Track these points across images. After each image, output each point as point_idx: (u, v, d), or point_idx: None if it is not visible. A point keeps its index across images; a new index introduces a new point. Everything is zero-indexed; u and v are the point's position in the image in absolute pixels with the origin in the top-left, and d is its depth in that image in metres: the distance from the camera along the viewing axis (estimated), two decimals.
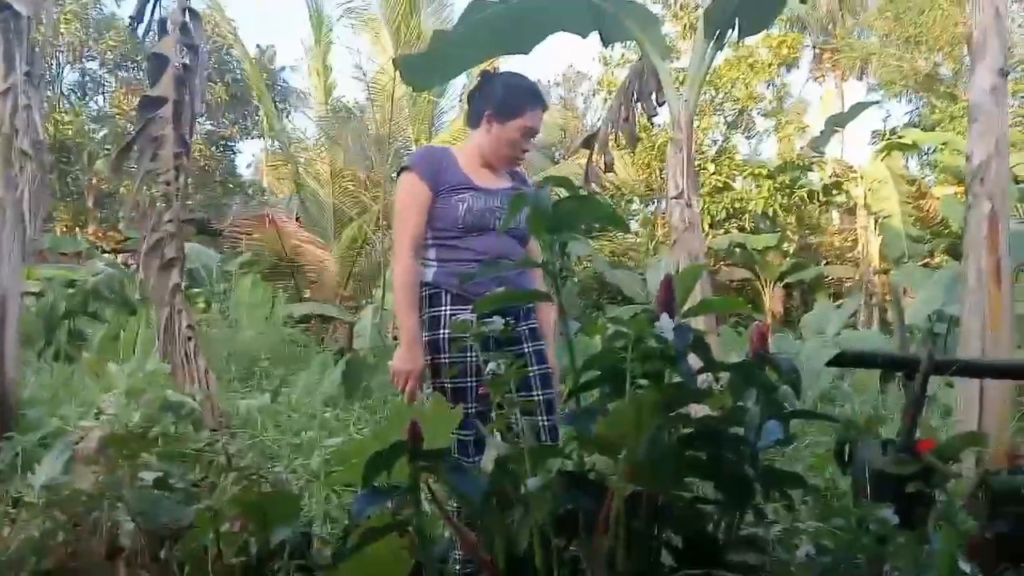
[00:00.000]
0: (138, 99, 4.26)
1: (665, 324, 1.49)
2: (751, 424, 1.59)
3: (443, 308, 2.40)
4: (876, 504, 1.47)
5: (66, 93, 20.30)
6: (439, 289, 2.41)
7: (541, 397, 2.40)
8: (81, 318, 8.65)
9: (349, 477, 1.84)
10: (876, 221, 13.97)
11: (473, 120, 2.59)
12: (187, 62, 4.10)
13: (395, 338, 8.88)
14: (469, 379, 2.32)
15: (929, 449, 1.58)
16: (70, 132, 17.54)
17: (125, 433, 2.45)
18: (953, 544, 1.50)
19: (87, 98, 20.58)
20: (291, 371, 6.46)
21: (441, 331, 2.37)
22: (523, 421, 1.76)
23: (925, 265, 12.82)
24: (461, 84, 14.17)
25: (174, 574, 1.74)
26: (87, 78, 20.42)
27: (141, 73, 18.29)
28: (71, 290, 8.91)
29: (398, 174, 2.54)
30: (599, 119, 11.29)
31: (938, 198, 13.93)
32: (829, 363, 2.07)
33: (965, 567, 1.57)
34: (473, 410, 2.29)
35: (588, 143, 6.59)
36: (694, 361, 1.56)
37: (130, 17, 4.31)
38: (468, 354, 2.28)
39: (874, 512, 1.45)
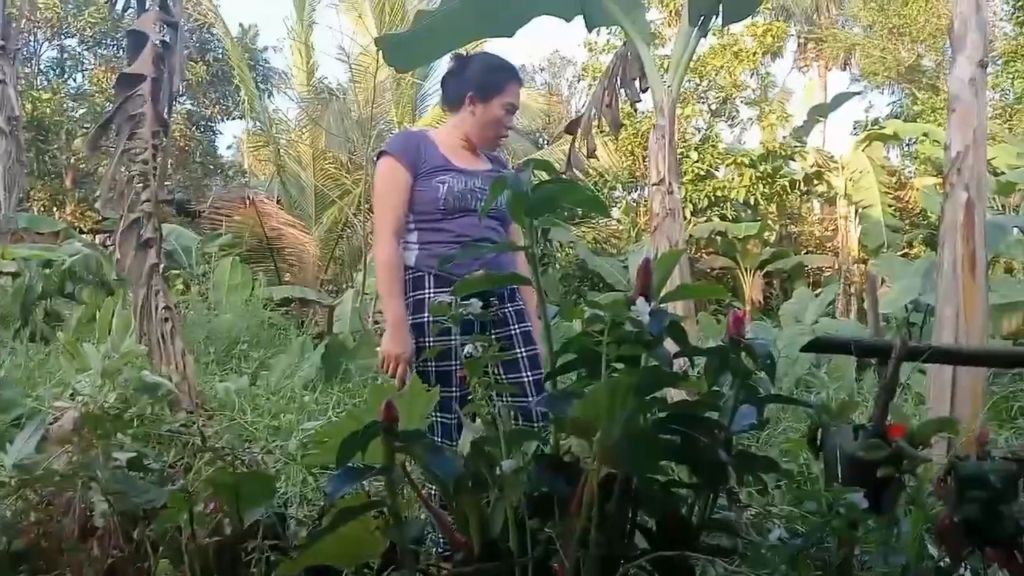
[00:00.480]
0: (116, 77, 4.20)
1: (641, 308, 1.50)
2: (726, 408, 1.60)
3: (426, 291, 2.40)
4: (846, 488, 1.49)
5: (44, 70, 20.02)
6: (421, 272, 2.41)
7: (530, 378, 2.40)
8: (58, 299, 8.55)
9: (325, 458, 1.84)
10: (856, 211, 14.08)
11: (452, 103, 2.59)
12: (166, 39, 4.05)
13: (376, 322, 8.87)
14: (453, 362, 2.30)
15: (900, 434, 1.60)
16: (48, 110, 17.29)
17: (100, 413, 2.44)
18: (921, 528, 1.53)
19: (66, 76, 20.28)
20: (270, 354, 6.42)
21: (425, 314, 2.37)
22: (500, 403, 1.77)
23: (904, 255, 12.96)
24: (444, 66, 14.11)
25: (147, 554, 1.73)
26: (65, 55, 20.11)
27: (120, 51, 18.03)
28: (48, 270, 8.79)
29: (376, 158, 2.53)
30: (583, 105, 11.27)
31: (918, 189, 14.04)
32: (804, 348, 2.08)
33: (933, 550, 1.60)
34: (457, 393, 2.29)
35: (571, 129, 6.59)
36: (671, 346, 1.57)
37: None
38: (451, 337, 2.28)
39: (844, 496, 1.47)
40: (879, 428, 1.63)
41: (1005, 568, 1.50)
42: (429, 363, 2.30)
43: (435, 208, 2.41)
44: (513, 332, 2.44)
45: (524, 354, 2.43)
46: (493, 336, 2.38)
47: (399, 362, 2.33)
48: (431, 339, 2.34)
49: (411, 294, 2.42)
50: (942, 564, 1.56)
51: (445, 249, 2.35)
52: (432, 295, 2.37)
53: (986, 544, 1.51)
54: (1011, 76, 15.19)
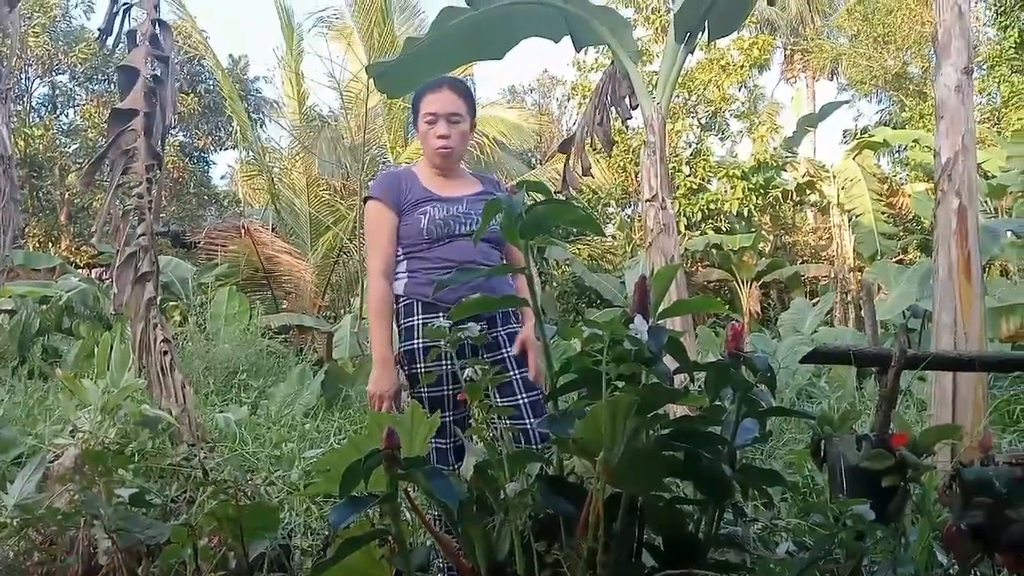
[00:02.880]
0: (108, 112, 4.21)
1: (639, 325, 1.50)
2: (728, 423, 1.60)
3: (415, 318, 2.44)
4: (853, 500, 1.48)
5: (36, 107, 20.07)
6: (410, 300, 2.45)
7: (526, 400, 2.40)
8: (55, 334, 8.53)
9: (327, 488, 1.83)
10: (849, 219, 14.13)
11: None
12: (157, 74, 4.06)
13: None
14: (446, 387, 2.33)
15: (903, 443, 1.59)
16: (41, 147, 17.34)
17: (101, 450, 2.43)
18: (928, 536, 1.52)
19: (58, 112, 20.34)
20: (270, 383, 6.40)
21: (415, 341, 2.39)
22: (501, 426, 1.76)
23: (899, 262, 12.98)
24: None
25: None
26: (57, 92, 20.19)
27: (112, 86, 18.11)
28: (45, 306, 8.79)
29: (364, 202, 2.58)
30: (574, 123, 11.33)
31: (910, 195, 14.12)
32: (804, 360, 2.08)
33: (941, 558, 1.59)
34: (451, 418, 2.29)
35: (564, 147, 6.61)
36: (670, 362, 1.57)
37: (99, 29, 4.27)
38: (444, 362, 2.28)
39: (851, 508, 1.46)
40: (882, 437, 1.63)
41: (1015, 573, 1.50)
42: (422, 389, 2.31)
43: (420, 238, 2.46)
44: (506, 355, 2.45)
45: (518, 376, 2.43)
46: (486, 359, 2.39)
47: (384, 399, 2.38)
48: (421, 365, 2.35)
49: (402, 321, 2.47)
50: (951, 571, 1.55)
51: (432, 276, 2.40)
52: (421, 321, 2.41)
53: (995, 549, 1.51)
54: (997, 80, 15.30)
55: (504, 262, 2.57)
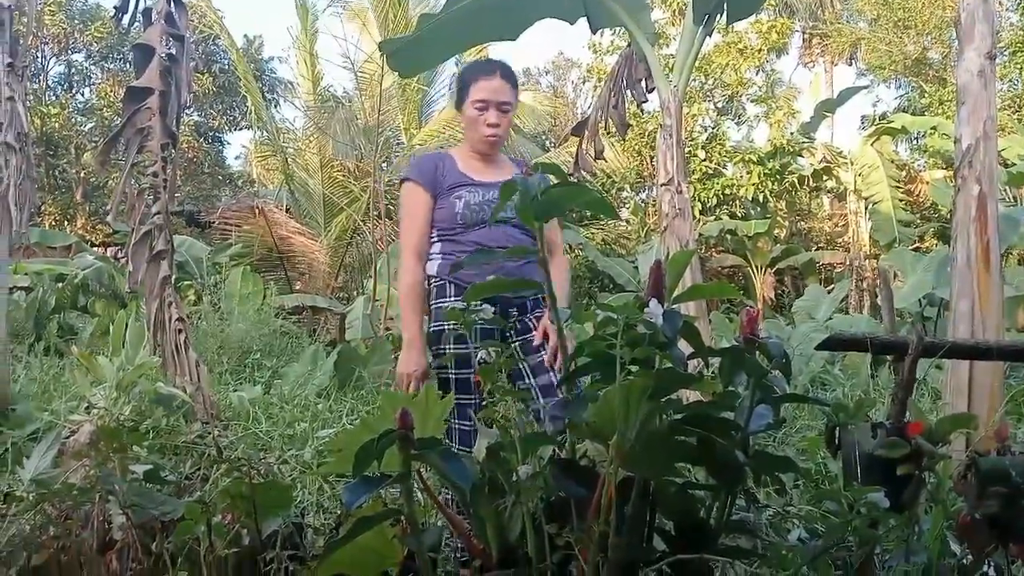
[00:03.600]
0: (124, 91, 4.22)
1: (654, 310, 1.49)
2: (742, 409, 1.59)
3: (447, 299, 2.45)
4: (867, 487, 1.48)
5: (52, 86, 20.13)
6: (443, 281, 2.47)
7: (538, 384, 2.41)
8: (71, 312, 8.61)
9: (340, 467, 1.83)
10: (866, 206, 14.00)
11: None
12: (172, 52, 4.06)
13: (388, 329, 8.87)
14: (472, 369, 2.32)
15: (918, 431, 1.58)
16: (57, 125, 17.41)
17: (116, 426, 2.45)
18: (942, 525, 1.51)
19: (74, 90, 20.40)
20: (283, 363, 6.44)
21: (445, 322, 2.40)
22: (515, 409, 1.76)
23: (915, 249, 12.87)
24: (450, 71, 14.13)
25: (166, 567, 1.73)
26: (73, 70, 20.24)
27: (127, 65, 18.15)
28: (61, 284, 8.86)
29: (400, 184, 2.59)
30: (589, 107, 11.27)
31: (928, 182, 13.97)
32: (819, 346, 2.07)
33: (955, 548, 1.59)
34: (476, 400, 2.29)
35: (578, 130, 6.58)
36: (684, 346, 1.56)
37: (114, 7, 4.26)
38: (470, 344, 2.29)
39: (865, 495, 1.45)
40: (897, 426, 1.62)
41: None
42: (449, 369, 2.32)
43: (454, 222, 2.47)
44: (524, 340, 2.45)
45: (539, 361, 2.43)
46: (516, 344, 2.39)
47: (411, 379, 2.37)
48: (451, 346, 2.36)
49: (433, 301, 2.50)
50: (965, 561, 1.54)
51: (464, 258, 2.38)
52: (451, 302, 2.42)
53: (1009, 540, 1.49)
54: (1019, 66, 15.08)
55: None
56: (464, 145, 2.64)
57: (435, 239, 2.52)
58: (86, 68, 20.21)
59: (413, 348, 2.40)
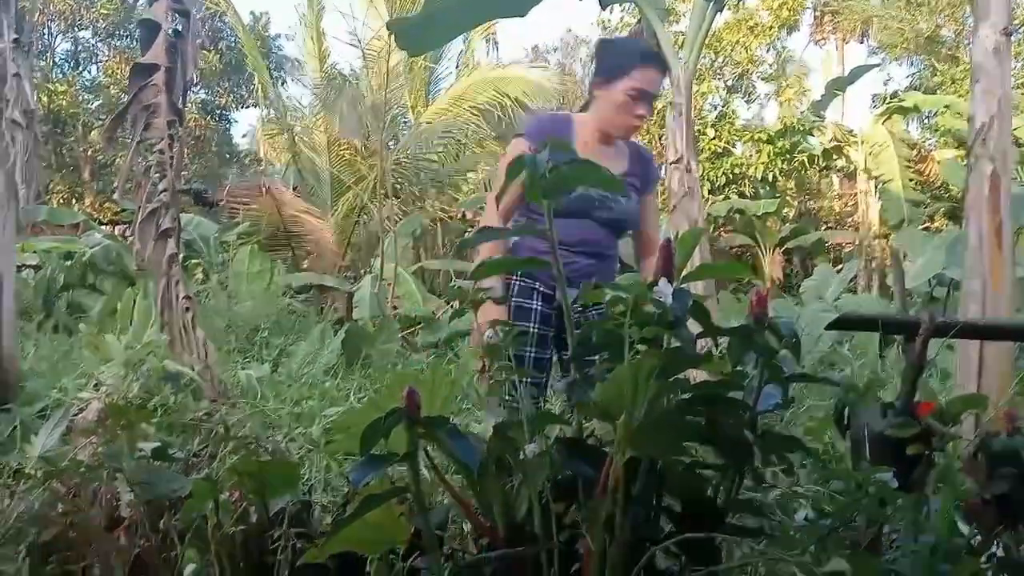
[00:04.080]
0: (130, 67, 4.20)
1: (663, 289, 1.48)
2: (750, 388, 1.58)
3: (514, 277, 2.40)
4: (876, 467, 1.47)
5: (59, 63, 20.14)
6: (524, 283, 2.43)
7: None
8: (79, 290, 8.64)
9: (347, 446, 1.84)
10: (876, 185, 13.90)
11: (590, 91, 2.53)
12: (179, 28, 4.04)
13: (395, 308, 8.87)
14: (530, 349, 2.34)
15: (929, 412, 1.57)
16: (64, 103, 17.41)
17: (124, 404, 2.46)
18: (951, 506, 1.50)
19: (80, 68, 20.39)
20: (291, 341, 6.46)
21: (512, 298, 2.38)
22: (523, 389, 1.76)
23: (925, 229, 12.80)
24: (457, 49, 14.04)
25: (174, 544, 1.74)
26: (80, 48, 20.21)
27: (134, 42, 18.09)
28: (69, 262, 8.89)
29: (513, 136, 2.48)
30: None
31: (939, 162, 13.86)
32: (829, 326, 2.05)
33: (964, 528, 1.58)
34: (544, 380, 2.36)
35: (586, 108, 6.53)
36: (693, 326, 1.55)
37: None
38: (531, 324, 2.30)
39: (874, 475, 1.45)
40: (908, 406, 1.61)
41: None
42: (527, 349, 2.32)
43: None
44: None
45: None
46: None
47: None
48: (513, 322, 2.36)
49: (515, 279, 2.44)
50: (973, 542, 1.53)
51: (537, 245, 2.30)
52: (518, 283, 2.40)
53: (1019, 520, 1.49)
54: None
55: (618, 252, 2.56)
56: (592, 120, 2.47)
57: (519, 213, 2.41)
58: (93, 45, 20.20)
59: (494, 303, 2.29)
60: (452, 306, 8.27)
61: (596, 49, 2.54)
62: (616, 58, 2.43)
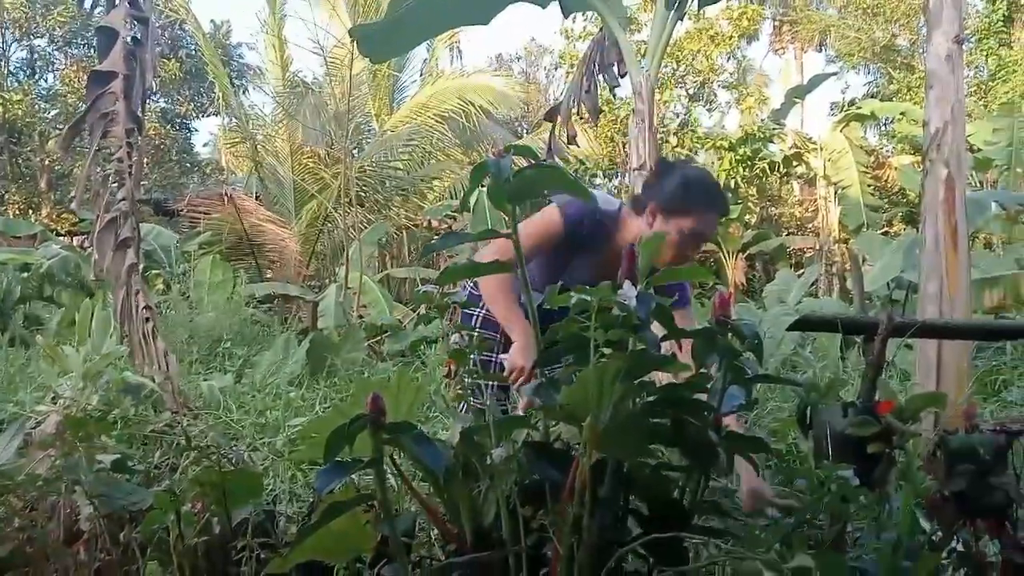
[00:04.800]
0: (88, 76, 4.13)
1: (628, 292, 1.49)
2: (714, 390, 1.60)
3: (477, 310, 2.46)
4: (838, 465, 1.49)
5: (14, 72, 19.70)
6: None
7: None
8: (37, 302, 8.46)
9: (312, 454, 1.82)
10: (835, 191, 14.15)
11: (638, 207, 2.34)
12: (137, 36, 3.98)
13: (361, 316, 8.82)
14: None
15: (889, 410, 1.60)
16: (20, 112, 17.04)
17: (82, 416, 2.40)
18: (911, 503, 1.53)
19: (37, 76, 19.99)
20: (254, 351, 6.38)
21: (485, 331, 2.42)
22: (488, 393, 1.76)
23: (884, 234, 13.04)
24: (421, 57, 14.02)
25: (135, 557, 1.71)
26: (36, 56, 19.82)
27: (92, 50, 17.78)
28: (26, 274, 8.70)
29: (554, 206, 2.33)
30: (562, 93, 11.24)
31: (896, 168, 14.16)
32: (791, 327, 2.08)
33: (924, 525, 1.60)
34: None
35: (550, 116, 6.56)
36: (657, 329, 1.56)
37: None
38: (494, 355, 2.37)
39: (835, 473, 1.47)
40: (868, 405, 1.63)
41: (996, 538, 1.51)
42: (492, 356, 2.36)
43: (540, 281, 2.30)
44: None
45: None
46: None
47: (526, 373, 2.17)
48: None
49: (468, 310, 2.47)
50: (934, 538, 1.56)
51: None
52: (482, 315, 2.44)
53: (977, 516, 1.52)
54: (985, 53, 15.29)
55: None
56: (627, 231, 2.31)
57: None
58: (49, 53, 19.82)
59: (531, 337, 2.14)
60: (418, 312, 8.25)
61: (660, 169, 2.37)
62: (683, 191, 2.26)
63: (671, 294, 2.48)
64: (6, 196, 17.76)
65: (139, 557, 1.69)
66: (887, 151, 16.88)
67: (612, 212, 2.34)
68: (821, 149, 14.36)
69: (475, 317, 2.47)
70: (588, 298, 1.49)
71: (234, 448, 2.35)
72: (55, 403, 2.81)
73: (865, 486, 1.50)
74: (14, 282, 8.24)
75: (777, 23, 21.18)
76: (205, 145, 23.00)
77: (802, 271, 12.17)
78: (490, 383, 2.34)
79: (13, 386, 4.49)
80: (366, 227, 10.98)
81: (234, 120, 12.47)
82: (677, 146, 14.95)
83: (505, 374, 2.28)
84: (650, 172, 2.45)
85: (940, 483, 1.54)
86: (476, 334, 1.94)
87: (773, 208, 17.31)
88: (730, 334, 1.56)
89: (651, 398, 1.55)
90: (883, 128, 17.88)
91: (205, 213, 10.81)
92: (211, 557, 1.71)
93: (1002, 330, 3.39)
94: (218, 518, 1.73)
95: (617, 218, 2.34)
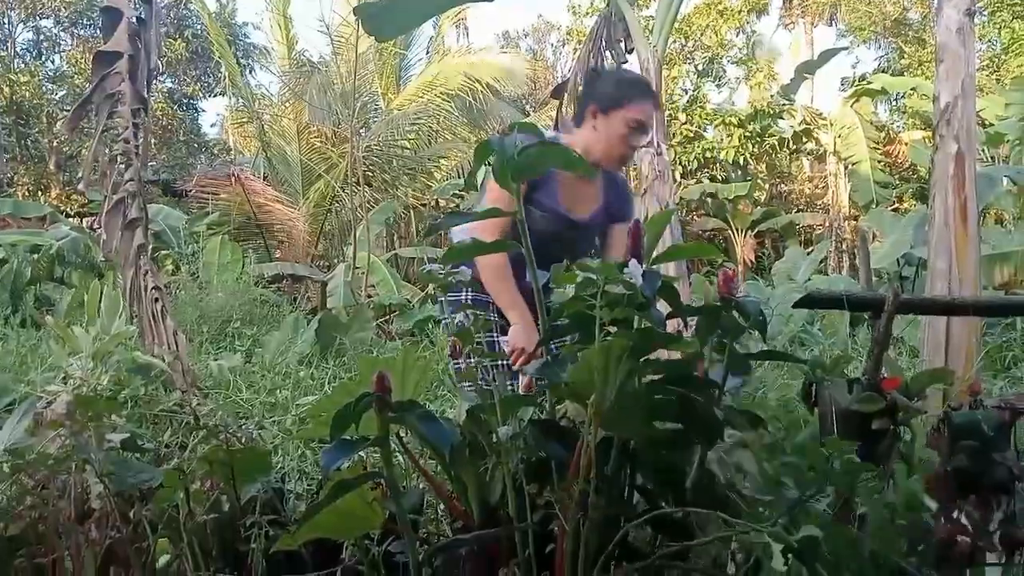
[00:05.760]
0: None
1: (633, 270, 1.48)
2: (717, 367, 1.60)
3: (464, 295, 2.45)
4: (841, 440, 1.49)
5: (20, 53, 19.69)
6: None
7: None
8: (47, 283, 8.51)
9: (320, 432, 1.83)
10: (846, 167, 14.06)
11: (578, 120, 2.50)
12: (141, 15, 3.96)
13: (369, 296, 8.84)
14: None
15: (894, 387, 1.60)
16: (27, 94, 17.04)
17: (92, 395, 2.42)
18: (906, 478, 1.53)
19: (43, 58, 19.96)
20: (264, 331, 6.41)
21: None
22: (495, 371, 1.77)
23: (895, 210, 12.96)
24: (428, 35, 13.93)
25: (146, 534, 1.72)
26: (42, 37, 19.78)
27: (97, 31, 17.73)
28: (36, 255, 8.74)
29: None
30: (569, 70, 11.17)
31: (907, 143, 14.03)
32: (797, 304, 2.08)
33: (928, 502, 1.61)
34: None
35: (557, 92, 6.52)
36: (663, 306, 1.56)
37: None
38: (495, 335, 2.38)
39: (840, 448, 1.47)
40: (873, 381, 1.63)
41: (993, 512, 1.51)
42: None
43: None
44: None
45: None
46: None
47: (527, 354, 2.24)
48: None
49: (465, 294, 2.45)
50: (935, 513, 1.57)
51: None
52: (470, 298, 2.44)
53: (978, 491, 1.52)
54: (998, 26, 15.09)
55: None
56: (582, 147, 2.41)
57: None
58: (55, 35, 19.77)
59: (529, 322, 2.30)
60: (426, 292, 8.26)
61: (591, 78, 2.55)
62: (617, 88, 2.42)
63: (618, 209, 2.51)
64: (15, 178, 17.80)
65: (149, 534, 1.71)
66: (898, 127, 16.73)
67: (555, 138, 2.46)
68: (831, 125, 14.24)
69: (460, 302, 2.43)
70: (594, 277, 1.49)
71: (243, 427, 2.37)
72: (65, 383, 2.83)
73: (870, 461, 1.51)
74: (24, 264, 8.29)
75: None
76: (212, 125, 23.04)
77: (812, 248, 12.12)
78: (498, 364, 2.35)
79: (24, 366, 4.53)
80: (374, 207, 10.98)
81: (241, 100, 12.44)
82: (686, 122, 14.84)
83: (512, 358, 2.31)
84: (583, 84, 2.56)
85: (943, 459, 1.55)
86: (478, 315, 1.93)
87: (783, 185, 17.21)
88: (734, 311, 1.55)
89: (658, 375, 1.55)
90: (894, 103, 17.71)
91: (213, 193, 10.84)
92: (221, 534, 1.72)
93: (1010, 306, 3.37)
94: (227, 496, 1.75)
95: (559, 142, 2.41)
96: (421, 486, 1.87)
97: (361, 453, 1.66)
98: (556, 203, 2.41)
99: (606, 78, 2.53)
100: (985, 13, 15.14)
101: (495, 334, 2.40)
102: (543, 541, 1.56)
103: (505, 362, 2.31)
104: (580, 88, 2.57)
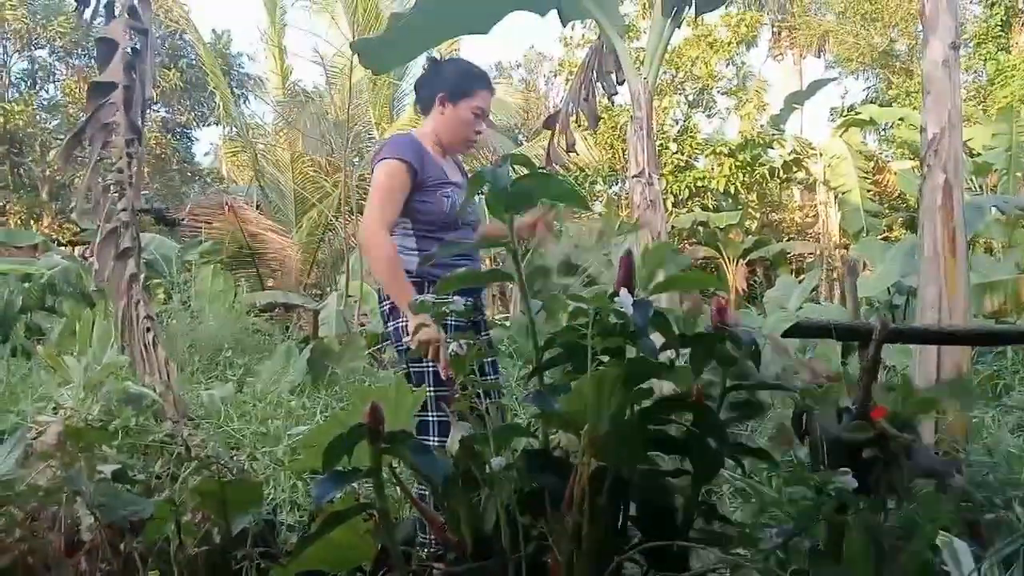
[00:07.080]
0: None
1: (624, 300, 1.49)
2: (714, 398, 1.60)
3: (426, 295, 2.40)
4: (833, 472, 1.49)
5: (15, 82, 19.75)
6: (420, 279, 2.42)
7: (492, 381, 2.46)
8: (38, 312, 8.46)
9: (312, 463, 1.82)
10: (835, 197, 14.16)
11: (425, 106, 2.67)
12: (136, 46, 3.99)
13: (363, 324, 8.82)
14: (430, 363, 2.28)
15: (883, 416, 1.60)
16: (21, 123, 17.08)
17: (83, 426, 2.41)
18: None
19: (38, 87, 20.04)
20: (255, 360, 6.37)
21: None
22: (488, 402, 1.76)
23: (885, 239, 13.04)
24: (421, 67, 14.04)
25: (136, 567, 1.71)
26: (36, 66, 19.87)
27: (92, 60, 17.81)
28: (27, 284, 8.70)
29: (379, 160, 2.52)
30: (561, 100, 11.26)
31: (895, 173, 14.15)
32: (786, 334, 2.09)
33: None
34: (449, 393, 2.27)
35: (549, 123, 6.57)
36: (656, 337, 1.57)
37: (76, 1, 4.19)
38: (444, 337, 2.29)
39: (831, 479, 1.47)
40: (862, 410, 1.64)
41: None
42: (427, 363, 2.28)
43: (439, 220, 2.48)
44: (484, 337, 2.54)
45: (490, 360, 2.52)
46: (484, 336, 2.47)
47: (436, 346, 2.21)
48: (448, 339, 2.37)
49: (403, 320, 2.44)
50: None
51: (443, 259, 2.38)
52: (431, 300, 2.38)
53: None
54: (983, 58, 15.32)
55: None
56: (429, 137, 2.60)
57: (411, 233, 2.49)
58: (50, 64, 19.85)
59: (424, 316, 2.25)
60: None
61: (433, 67, 2.68)
62: (461, 79, 2.61)
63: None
64: (7, 206, 17.78)
65: (140, 567, 1.70)
66: (887, 156, 16.90)
67: (410, 134, 2.64)
68: (821, 154, 14.38)
69: (401, 328, 2.44)
70: (586, 307, 1.50)
71: (234, 458, 2.36)
72: (56, 413, 2.81)
73: (862, 491, 1.51)
74: (16, 292, 8.25)
75: (776, 29, 21.22)
76: (206, 154, 23.04)
77: (803, 277, 12.17)
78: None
79: (14, 396, 4.49)
80: None
81: (235, 129, 12.49)
82: (677, 152, 14.96)
83: (421, 354, 2.27)
84: (423, 73, 2.72)
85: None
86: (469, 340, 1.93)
87: (774, 214, 17.32)
88: (728, 341, 1.56)
89: (662, 406, 1.55)
90: (882, 133, 17.90)
91: (206, 222, 10.83)
92: (211, 566, 1.71)
93: (1000, 334, 3.39)
94: (218, 527, 1.73)
95: (418, 137, 2.61)
96: (413, 517, 1.86)
97: (354, 484, 1.65)
98: (439, 171, 2.54)
99: (451, 69, 2.66)
100: (971, 45, 15.38)
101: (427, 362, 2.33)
102: (536, 572, 1.55)
103: (428, 362, 2.28)
104: (424, 77, 2.69)
